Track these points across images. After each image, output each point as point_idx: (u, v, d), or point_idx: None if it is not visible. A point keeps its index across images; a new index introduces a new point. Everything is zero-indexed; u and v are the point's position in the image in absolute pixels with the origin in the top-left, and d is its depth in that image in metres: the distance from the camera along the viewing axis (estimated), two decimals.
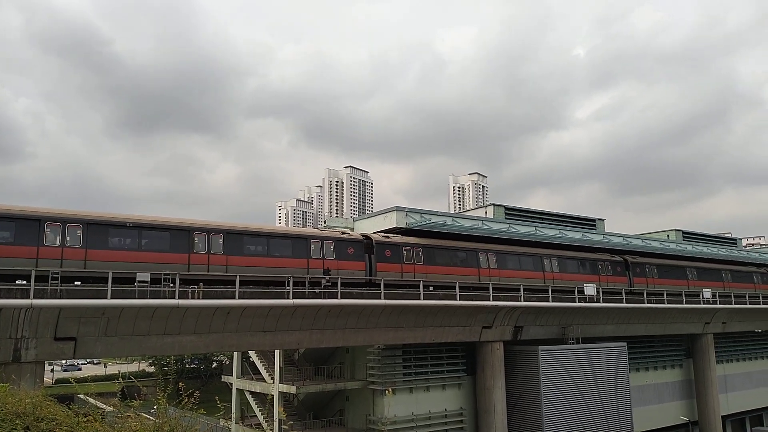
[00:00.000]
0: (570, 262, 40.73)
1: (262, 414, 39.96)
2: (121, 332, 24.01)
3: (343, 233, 32.50)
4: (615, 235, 46.32)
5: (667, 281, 46.35)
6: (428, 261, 33.57)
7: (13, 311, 21.08)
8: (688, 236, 57.34)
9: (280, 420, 35.05)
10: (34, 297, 20.62)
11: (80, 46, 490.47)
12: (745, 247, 72.88)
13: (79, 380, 63.66)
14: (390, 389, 32.76)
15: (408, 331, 32.50)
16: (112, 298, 22.01)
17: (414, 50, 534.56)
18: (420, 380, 35.25)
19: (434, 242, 34.76)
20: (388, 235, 33.71)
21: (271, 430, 36.49)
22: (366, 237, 32.45)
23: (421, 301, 30.81)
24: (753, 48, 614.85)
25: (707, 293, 46.25)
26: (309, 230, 32.20)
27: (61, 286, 21.63)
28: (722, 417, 49.82)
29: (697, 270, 49.69)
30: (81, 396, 48.65)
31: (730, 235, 74.68)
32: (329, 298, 28.01)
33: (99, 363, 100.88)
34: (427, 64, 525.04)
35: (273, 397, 37.32)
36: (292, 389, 35.54)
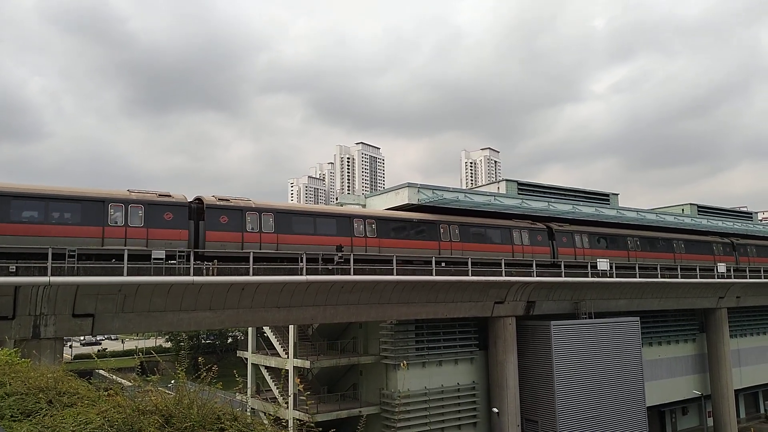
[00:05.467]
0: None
1: (277, 388, 40.55)
2: (138, 308, 24.36)
3: (531, 224, 37.62)
4: (629, 209, 46.01)
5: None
6: (592, 246, 39.88)
7: (31, 289, 21.45)
8: (704, 210, 56.74)
9: (295, 393, 35.58)
10: (52, 275, 20.93)
11: (96, 23, 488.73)
12: (761, 221, 71.93)
13: (99, 355, 64.87)
14: (405, 363, 33.10)
15: (420, 307, 32.67)
16: (127, 275, 22.29)
17: (429, 23, 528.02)
18: (433, 355, 35.52)
19: (597, 230, 41.17)
20: (563, 224, 39.41)
21: (287, 403, 37.06)
22: (548, 227, 38.20)
23: (433, 277, 30.87)
24: None
25: (722, 268, 45.89)
26: (508, 221, 36.45)
27: (78, 263, 21.91)
28: (735, 391, 49.89)
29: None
30: (100, 371, 49.61)
31: (746, 209, 73.73)
32: (342, 274, 28.17)
33: (116, 339, 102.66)
34: (442, 38, 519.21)
35: (287, 372, 37.86)
36: (307, 364, 36.00)
